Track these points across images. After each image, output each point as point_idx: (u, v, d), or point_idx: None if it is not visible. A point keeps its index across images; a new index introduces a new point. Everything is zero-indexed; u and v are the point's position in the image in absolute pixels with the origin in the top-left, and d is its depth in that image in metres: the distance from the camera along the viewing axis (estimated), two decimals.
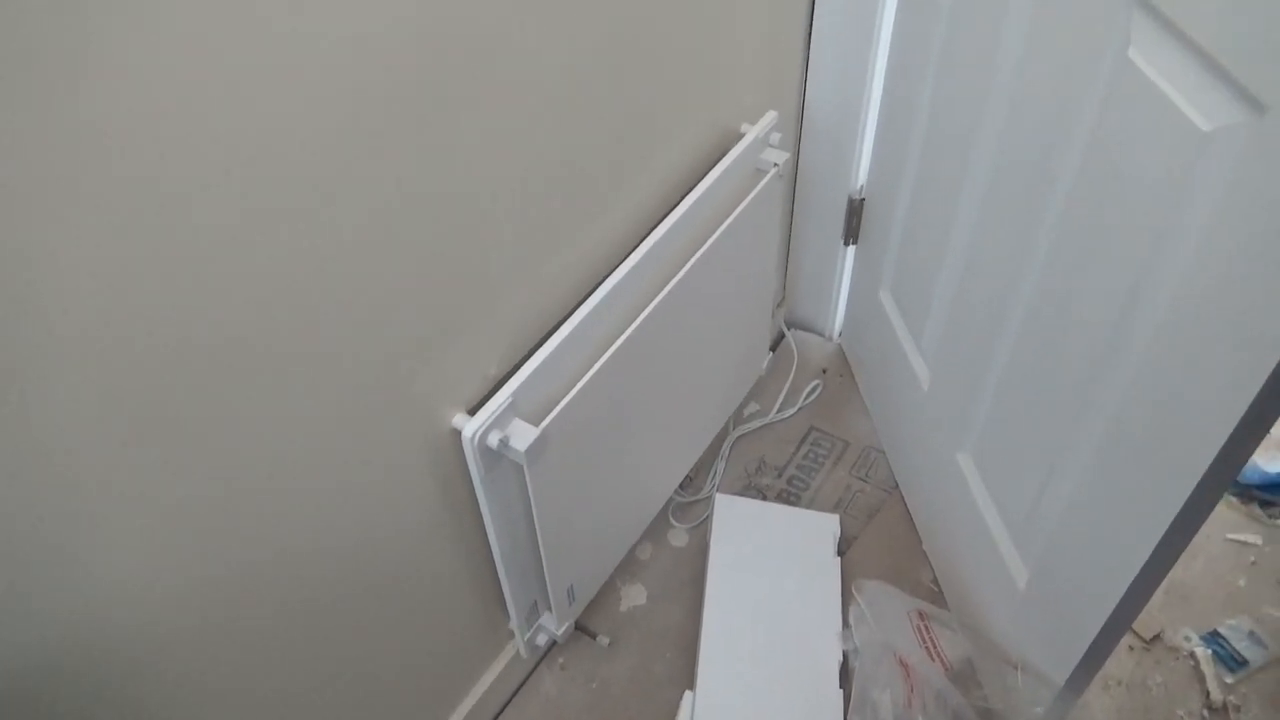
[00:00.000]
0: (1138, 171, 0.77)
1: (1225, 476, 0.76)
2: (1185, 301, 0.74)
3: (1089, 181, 0.85)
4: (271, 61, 0.60)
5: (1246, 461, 0.76)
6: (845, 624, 1.30)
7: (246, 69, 0.58)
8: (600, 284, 1.02)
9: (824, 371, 1.70)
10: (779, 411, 1.64)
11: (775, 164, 1.23)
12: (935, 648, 1.24)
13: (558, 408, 0.96)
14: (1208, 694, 1.28)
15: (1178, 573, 1.40)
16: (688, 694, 1.26)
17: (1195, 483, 0.76)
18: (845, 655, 1.27)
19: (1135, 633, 1.33)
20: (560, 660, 1.33)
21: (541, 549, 1.06)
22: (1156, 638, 1.33)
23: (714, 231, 1.15)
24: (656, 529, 1.46)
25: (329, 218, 0.69)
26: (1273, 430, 1.50)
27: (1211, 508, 0.80)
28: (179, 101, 0.55)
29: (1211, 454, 0.73)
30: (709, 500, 1.48)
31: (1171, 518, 0.80)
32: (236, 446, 0.70)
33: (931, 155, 1.22)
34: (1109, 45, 0.79)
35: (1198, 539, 1.42)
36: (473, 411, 0.91)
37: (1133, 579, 0.87)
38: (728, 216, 1.17)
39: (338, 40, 0.63)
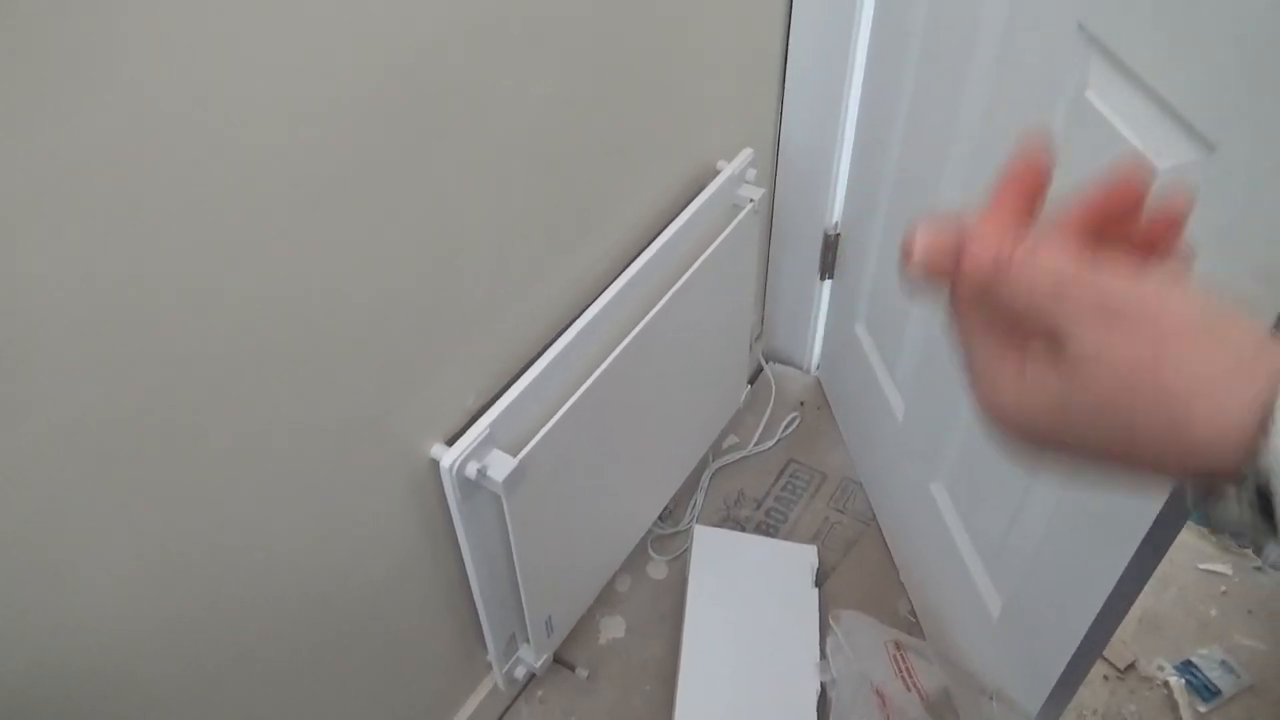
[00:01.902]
0: None
1: (1185, 505, 0.77)
2: None
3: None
4: (254, 96, 0.61)
5: None
6: (823, 655, 1.30)
7: (229, 103, 0.60)
8: (578, 317, 1.04)
9: (802, 404, 1.72)
10: (757, 444, 1.65)
11: (751, 200, 1.26)
12: (912, 678, 1.25)
13: (536, 438, 0.97)
14: None
15: (1150, 603, 1.42)
16: None
17: (1158, 509, 0.78)
18: (823, 686, 1.27)
19: (1110, 662, 1.34)
20: (539, 693, 1.33)
21: (519, 580, 1.07)
22: (1130, 667, 1.34)
23: (690, 266, 1.17)
24: (635, 561, 1.47)
25: (308, 250, 0.70)
26: None
27: (1175, 534, 0.82)
28: (166, 132, 0.57)
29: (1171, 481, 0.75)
30: (688, 532, 1.49)
31: (1136, 545, 0.82)
32: (211, 480, 0.71)
33: (902, 191, 1.25)
34: (1068, 87, 0.82)
35: (1170, 569, 1.45)
36: (451, 442, 0.92)
37: (1101, 606, 0.89)
38: (704, 251, 1.19)
39: (320, 81, 0.65)
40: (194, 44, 0.56)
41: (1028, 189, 0.35)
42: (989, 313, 0.33)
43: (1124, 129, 0.75)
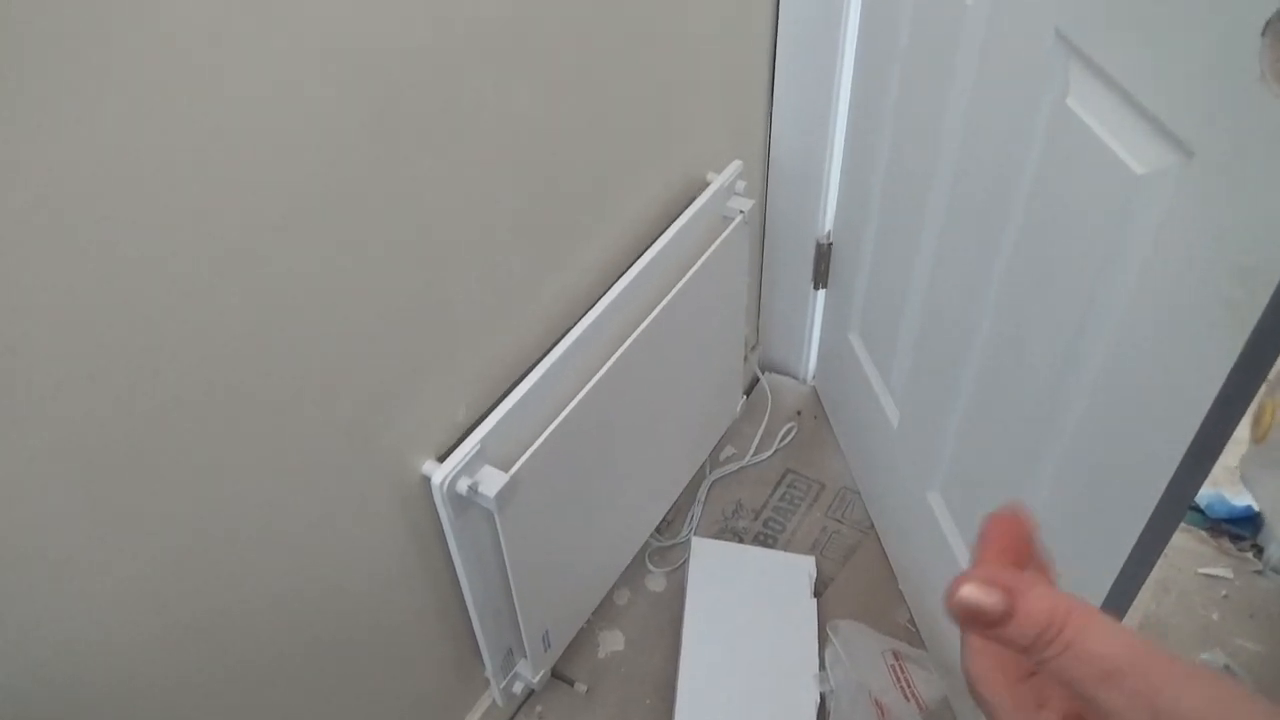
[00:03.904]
0: (1079, 213, 0.80)
1: (1178, 505, 0.77)
2: (1128, 336, 0.77)
3: (1035, 224, 0.88)
4: (240, 107, 0.62)
5: (1197, 491, 0.78)
6: (821, 665, 1.30)
7: (215, 118, 0.60)
8: (570, 330, 1.04)
9: (799, 414, 1.72)
10: (755, 454, 1.65)
11: (741, 211, 1.26)
12: (910, 688, 1.24)
13: (528, 453, 0.97)
14: None
15: (1151, 607, 1.41)
16: None
17: (1149, 513, 0.78)
18: (822, 697, 1.27)
19: None
20: (538, 708, 1.32)
21: (515, 595, 1.06)
22: None
23: (682, 278, 1.17)
24: (633, 574, 1.46)
25: (294, 266, 0.71)
26: (1237, 465, 1.52)
27: (1167, 538, 0.82)
28: (154, 147, 0.57)
29: (1162, 484, 0.75)
30: (686, 544, 1.49)
31: (1130, 548, 0.82)
32: (201, 497, 0.71)
33: (891, 201, 1.25)
34: (1049, 94, 0.82)
35: (1170, 574, 1.44)
36: (442, 458, 0.92)
37: None
38: (695, 263, 1.19)
39: (304, 95, 0.66)
40: (182, 60, 0.56)
41: (1020, 543, 0.36)
42: (1014, 663, 0.34)
43: (1105, 135, 0.75)
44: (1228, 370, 0.66)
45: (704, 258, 1.20)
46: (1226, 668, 1.33)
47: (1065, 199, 0.82)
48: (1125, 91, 0.73)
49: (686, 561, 1.44)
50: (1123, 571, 0.84)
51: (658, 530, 1.51)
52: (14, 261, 0.53)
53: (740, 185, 1.28)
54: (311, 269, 0.72)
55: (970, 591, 0.30)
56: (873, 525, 1.53)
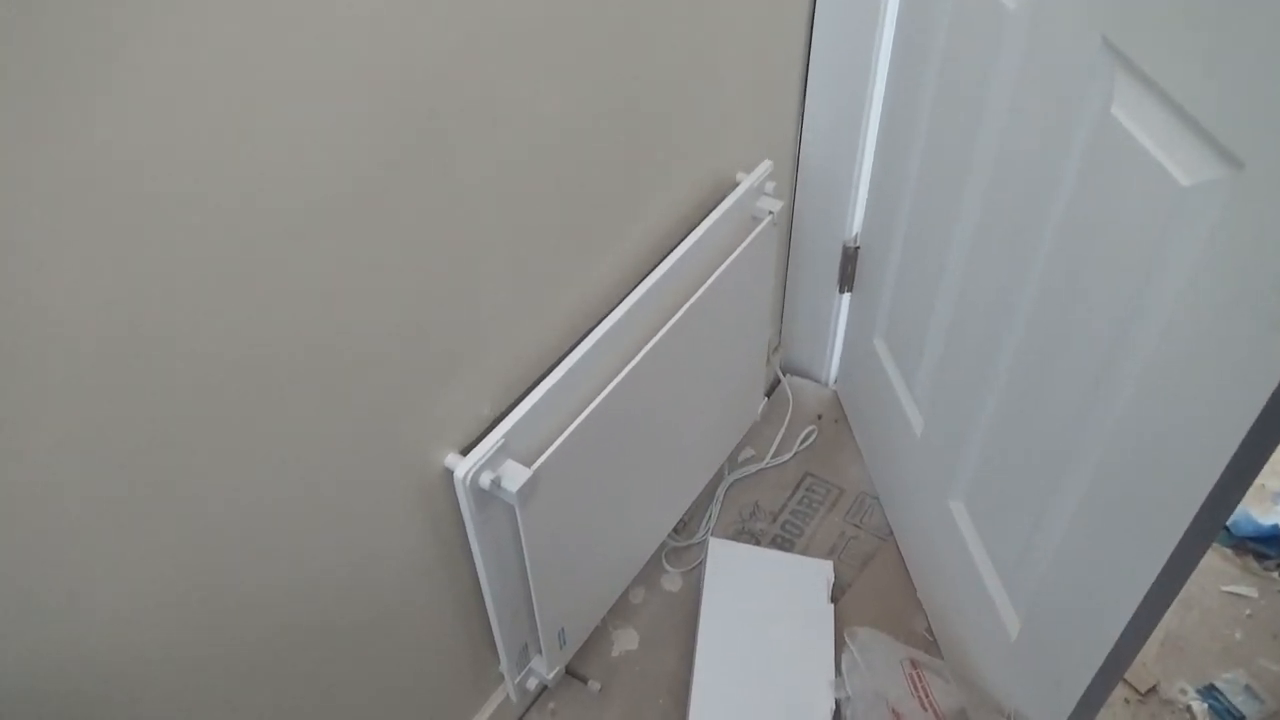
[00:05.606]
0: (1120, 224, 0.79)
1: (1212, 525, 0.76)
2: (1168, 351, 0.75)
3: (1073, 233, 0.86)
4: (270, 111, 0.61)
5: (1233, 511, 0.77)
6: (838, 672, 1.29)
7: (243, 114, 0.60)
8: (595, 327, 1.03)
9: (819, 417, 1.71)
10: (774, 457, 1.64)
11: (770, 212, 1.25)
12: (928, 698, 1.23)
13: (551, 449, 0.97)
14: None
15: (1173, 625, 1.40)
16: None
17: (1182, 531, 0.76)
18: (837, 703, 1.26)
19: (1131, 686, 1.32)
20: (550, 705, 1.32)
21: (533, 591, 1.06)
22: (1152, 691, 1.32)
23: (708, 277, 1.16)
24: (650, 573, 1.46)
25: (323, 260, 0.70)
26: (1267, 483, 1.50)
27: (1200, 556, 0.80)
28: (177, 142, 0.57)
29: (1197, 502, 0.74)
30: (703, 545, 1.48)
31: (1160, 566, 0.80)
32: (223, 486, 0.71)
33: (922, 205, 1.24)
34: (1092, 101, 0.81)
35: (1193, 591, 1.43)
36: (465, 452, 0.92)
37: (1123, 628, 0.87)
38: (722, 263, 1.18)
39: (337, 92, 0.65)
40: (205, 60, 0.56)
41: None
42: None
43: (1149, 145, 0.74)
44: (1271, 391, 0.65)
45: (731, 258, 1.20)
46: (1248, 689, 1.31)
47: (1106, 209, 0.81)
48: (1173, 101, 0.71)
49: (703, 562, 1.44)
50: (1151, 590, 0.83)
51: (675, 530, 1.51)
52: (26, 257, 0.53)
53: (770, 186, 1.27)
54: (340, 263, 0.72)
55: None
56: (891, 532, 1.51)
